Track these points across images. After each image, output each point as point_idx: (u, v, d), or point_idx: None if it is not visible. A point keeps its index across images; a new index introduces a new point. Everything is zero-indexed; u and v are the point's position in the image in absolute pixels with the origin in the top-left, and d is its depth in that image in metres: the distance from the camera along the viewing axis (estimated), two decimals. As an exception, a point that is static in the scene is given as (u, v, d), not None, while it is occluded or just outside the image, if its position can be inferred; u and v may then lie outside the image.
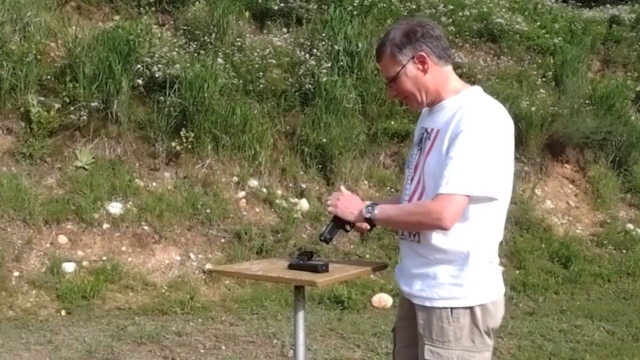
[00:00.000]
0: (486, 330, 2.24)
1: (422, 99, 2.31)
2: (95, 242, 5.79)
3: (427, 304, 2.26)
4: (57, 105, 6.13)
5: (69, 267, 5.53)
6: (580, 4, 10.64)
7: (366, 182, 7.14)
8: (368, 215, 2.30)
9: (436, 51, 2.29)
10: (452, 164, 2.14)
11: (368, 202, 2.35)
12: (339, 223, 2.41)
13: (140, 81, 6.51)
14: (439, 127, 2.24)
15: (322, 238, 2.44)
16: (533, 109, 7.72)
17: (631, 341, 5.13)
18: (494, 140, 2.18)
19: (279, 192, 6.69)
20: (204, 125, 6.50)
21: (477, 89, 2.34)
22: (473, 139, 2.14)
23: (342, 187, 2.52)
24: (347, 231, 2.46)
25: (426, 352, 2.25)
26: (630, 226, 7.82)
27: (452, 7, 8.74)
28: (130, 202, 6.07)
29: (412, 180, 2.33)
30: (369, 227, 2.43)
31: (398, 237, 2.45)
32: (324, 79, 7.09)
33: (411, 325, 2.34)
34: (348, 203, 2.37)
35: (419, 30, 2.28)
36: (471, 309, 2.22)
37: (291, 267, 2.48)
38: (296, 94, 7.18)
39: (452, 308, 2.22)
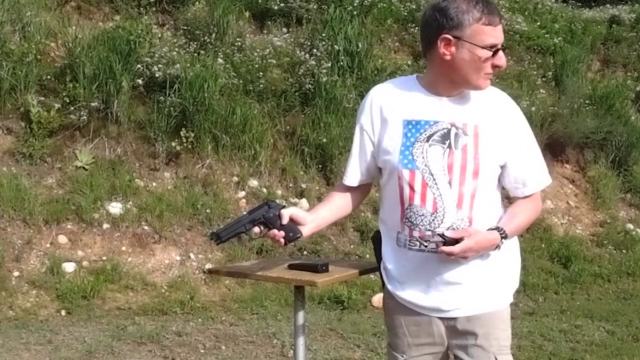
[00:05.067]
0: None
1: None
2: (95, 242, 5.79)
3: (493, 307, 2.09)
4: (57, 105, 6.13)
5: (69, 267, 5.53)
6: (580, 4, 10.64)
7: (366, 182, 7.14)
8: (502, 245, 2.05)
9: None
10: (531, 161, 2.09)
11: (495, 232, 2.02)
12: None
13: (140, 81, 6.50)
14: (477, 122, 2.03)
15: (215, 237, 2.18)
16: (533, 109, 7.71)
17: (631, 341, 5.13)
18: None
19: (279, 192, 6.69)
20: (204, 125, 6.50)
21: None
22: (530, 131, 2.11)
23: (469, 229, 2.01)
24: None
25: None
26: (630, 226, 7.81)
27: (452, 7, 8.72)
28: (130, 202, 6.07)
29: (451, 183, 2.01)
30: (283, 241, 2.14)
31: (411, 250, 2.08)
32: (324, 79, 7.08)
33: (440, 351, 2.13)
34: (481, 247, 2.02)
35: None
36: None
37: (291, 267, 2.48)
38: (296, 94, 7.18)
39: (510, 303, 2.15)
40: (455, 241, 1.97)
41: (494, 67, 1.99)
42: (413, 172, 2.02)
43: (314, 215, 2.20)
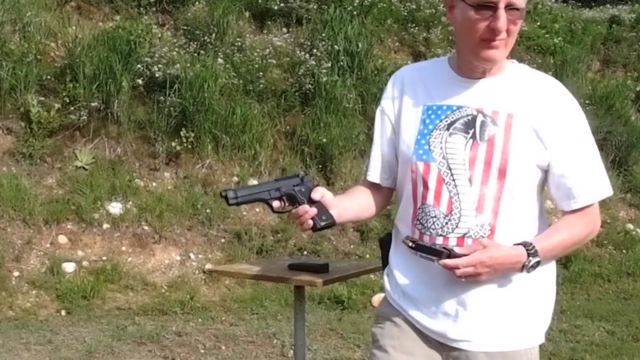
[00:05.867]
0: None
1: (504, 59, 1.71)
2: (95, 242, 5.79)
3: (512, 346, 1.71)
4: (57, 105, 6.13)
5: (69, 267, 5.53)
6: (580, 4, 10.64)
7: (366, 182, 7.14)
8: (532, 269, 1.66)
9: None
10: (582, 166, 1.69)
11: (521, 248, 1.65)
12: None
13: (140, 81, 6.50)
14: (511, 110, 1.67)
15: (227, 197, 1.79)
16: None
17: (631, 341, 5.13)
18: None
19: (279, 192, 6.69)
20: (204, 125, 6.50)
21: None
22: (586, 130, 1.72)
23: (483, 241, 1.65)
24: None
25: None
26: (630, 226, 7.81)
27: (452, 7, 8.73)
28: (130, 202, 6.07)
29: (471, 180, 1.67)
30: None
31: (422, 258, 1.73)
32: (324, 79, 7.08)
33: None
34: (497, 264, 1.64)
35: None
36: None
37: (291, 267, 2.48)
38: (296, 94, 7.18)
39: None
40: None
41: (491, 30, 1.61)
42: (428, 164, 1.70)
43: (337, 202, 1.83)
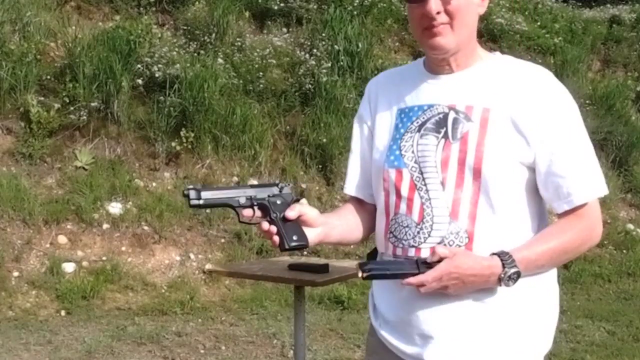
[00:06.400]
0: None
1: (463, 40, 1.52)
2: (95, 242, 5.78)
3: None
4: (57, 105, 6.13)
5: (68, 267, 5.52)
6: (580, 4, 10.65)
7: (366, 182, 7.14)
8: (512, 283, 1.46)
9: None
10: (573, 161, 1.49)
11: (495, 259, 1.45)
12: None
13: (140, 81, 6.50)
14: (488, 104, 1.50)
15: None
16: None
17: (631, 341, 5.12)
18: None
19: (279, 192, 6.69)
20: (204, 125, 6.50)
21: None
22: (577, 121, 1.54)
23: (439, 249, 1.45)
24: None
25: None
26: (630, 226, 7.81)
27: (452, 7, 8.74)
28: (130, 202, 6.07)
29: (444, 183, 1.50)
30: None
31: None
32: (324, 79, 7.08)
33: None
34: (464, 275, 1.44)
35: None
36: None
37: (291, 267, 2.47)
38: (296, 94, 7.18)
39: None
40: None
41: (425, 17, 1.48)
42: (400, 170, 1.55)
43: (323, 219, 1.62)
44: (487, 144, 1.47)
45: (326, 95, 7.06)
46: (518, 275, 1.45)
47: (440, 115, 1.53)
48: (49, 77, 6.36)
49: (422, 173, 1.52)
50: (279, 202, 1.58)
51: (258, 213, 1.57)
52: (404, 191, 1.54)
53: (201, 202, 1.53)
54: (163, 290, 5.62)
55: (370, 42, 7.65)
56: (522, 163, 1.49)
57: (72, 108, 6.19)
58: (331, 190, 6.66)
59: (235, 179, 6.60)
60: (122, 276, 5.59)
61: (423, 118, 1.55)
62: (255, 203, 1.58)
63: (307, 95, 7.18)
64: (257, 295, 5.65)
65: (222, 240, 6.15)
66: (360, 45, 7.48)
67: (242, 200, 1.57)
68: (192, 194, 1.52)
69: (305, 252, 6.10)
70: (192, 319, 5.21)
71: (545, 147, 1.48)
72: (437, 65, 1.57)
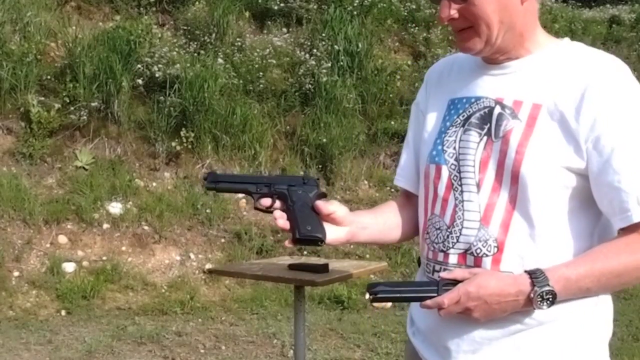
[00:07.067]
0: None
1: (494, 39, 1.34)
2: (95, 242, 5.79)
3: None
4: (57, 105, 6.14)
5: (69, 267, 5.53)
6: (580, 4, 10.65)
7: (366, 182, 7.14)
8: (546, 305, 1.26)
9: None
10: (635, 172, 1.26)
11: (524, 277, 1.27)
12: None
13: (140, 81, 6.51)
14: (540, 100, 1.32)
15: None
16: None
17: (631, 341, 5.13)
18: None
19: (279, 192, 6.69)
20: (204, 125, 6.50)
21: (580, 44, 1.48)
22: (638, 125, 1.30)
23: (458, 272, 1.34)
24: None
25: None
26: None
27: (452, 7, 8.74)
28: (130, 202, 6.08)
29: (480, 185, 1.35)
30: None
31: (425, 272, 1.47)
32: (324, 79, 7.09)
33: None
34: (487, 296, 1.27)
35: None
36: None
37: (291, 267, 2.48)
38: (296, 94, 7.18)
39: None
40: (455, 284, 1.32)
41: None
42: (439, 167, 1.42)
43: (352, 218, 1.49)
44: (530, 145, 1.30)
45: (326, 95, 7.06)
46: (553, 295, 1.25)
47: (486, 110, 1.38)
48: (49, 77, 6.37)
49: (460, 172, 1.38)
50: (300, 191, 1.48)
51: (277, 203, 1.47)
52: (441, 190, 1.41)
53: (218, 185, 1.50)
54: (163, 290, 5.62)
55: (370, 42, 7.66)
56: (569, 169, 1.30)
57: (72, 108, 6.20)
58: (330, 190, 6.66)
59: (235, 179, 6.59)
60: (122, 276, 5.59)
61: (469, 111, 1.40)
62: (274, 192, 1.48)
63: (307, 95, 7.18)
64: (257, 295, 5.65)
65: (222, 240, 6.15)
66: (360, 45, 7.49)
67: (261, 188, 1.49)
68: (210, 176, 1.51)
69: (305, 252, 6.12)
70: (192, 319, 5.21)
71: (603, 155, 1.27)
72: (489, 55, 1.40)
